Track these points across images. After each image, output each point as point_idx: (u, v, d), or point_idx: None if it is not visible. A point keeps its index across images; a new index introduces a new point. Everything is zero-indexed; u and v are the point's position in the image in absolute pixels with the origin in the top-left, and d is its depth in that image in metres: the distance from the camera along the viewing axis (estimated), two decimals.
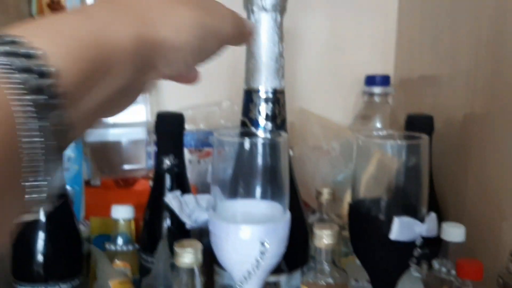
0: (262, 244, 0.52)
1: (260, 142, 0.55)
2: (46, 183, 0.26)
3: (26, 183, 0.25)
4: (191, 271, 0.52)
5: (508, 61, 0.62)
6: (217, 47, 0.45)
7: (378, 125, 0.91)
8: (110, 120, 0.83)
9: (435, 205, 0.74)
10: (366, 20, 0.93)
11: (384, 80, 0.89)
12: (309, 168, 0.90)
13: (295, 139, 0.93)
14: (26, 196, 0.25)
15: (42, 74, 0.24)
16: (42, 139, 0.24)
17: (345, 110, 0.93)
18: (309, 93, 0.93)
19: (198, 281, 0.53)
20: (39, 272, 0.59)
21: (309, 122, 0.92)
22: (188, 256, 0.52)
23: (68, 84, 0.26)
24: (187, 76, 0.49)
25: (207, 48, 0.43)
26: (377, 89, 0.89)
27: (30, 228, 0.59)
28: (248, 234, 0.52)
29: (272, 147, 0.55)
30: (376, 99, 0.89)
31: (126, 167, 0.83)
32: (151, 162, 0.86)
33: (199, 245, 0.53)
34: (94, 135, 0.80)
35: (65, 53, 0.26)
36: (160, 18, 0.35)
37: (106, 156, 0.83)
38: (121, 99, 0.36)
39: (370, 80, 0.89)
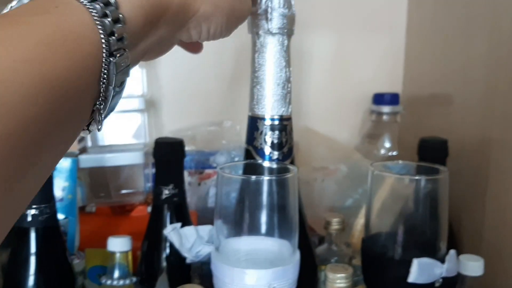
0: None
1: (267, 180, 0.51)
2: (110, 107, 0.33)
3: (98, 106, 0.32)
4: None
5: None
6: (245, 15, 0.49)
7: (387, 145, 0.87)
8: (107, 142, 0.79)
9: (450, 235, 0.70)
10: (374, 37, 0.89)
11: (393, 99, 0.85)
12: (315, 189, 0.86)
13: (300, 159, 0.89)
14: (93, 118, 0.33)
15: (116, 20, 0.30)
16: (114, 73, 0.31)
17: (352, 129, 0.89)
18: (315, 112, 0.89)
19: None
20: None
21: (314, 142, 0.89)
22: None
23: (134, 28, 0.33)
24: (193, 45, 0.54)
25: (236, 20, 0.48)
26: (385, 108, 0.85)
27: (19, 265, 0.55)
28: (255, 279, 0.48)
29: (280, 184, 0.52)
30: (385, 118, 0.86)
31: (123, 191, 0.80)
32: (149, 185, 0.83)
33: None
34: (90, 160, 0.76)
35: (133, 2, 0.33)
36: None
37: (102, 181, 0.79)
38: (160, 48, 0.45)
39: (379, 99, 0.85)
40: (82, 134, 0.34)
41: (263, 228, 0.51)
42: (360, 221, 0.75)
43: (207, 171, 0.86)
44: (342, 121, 0.90)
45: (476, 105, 0.71)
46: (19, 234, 0.55)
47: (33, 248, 0.55)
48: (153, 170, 0.84)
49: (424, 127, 0.83)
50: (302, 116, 0.89)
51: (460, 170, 0.73)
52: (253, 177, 0.50)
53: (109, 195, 0.80)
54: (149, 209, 0.79)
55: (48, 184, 0.56)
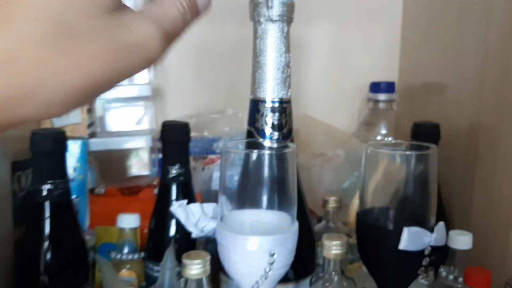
0: (271, 255, 0.52)
1: (268, 154, 0.54)
2: None
3: None
4: (199, 282, 0.52)
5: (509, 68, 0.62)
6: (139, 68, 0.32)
7: (383, 131, 0.91)
8: (114, 128, 0.83)
9: (441, 213, 0.74)
10: (371, 28, 0.93)
11: (389, 87, 0.89)
12: (314, 175, 0.90)
13: (300, 146, 0.92)
14: None
15: None
16: None
17: (349, 117, 0.93)
18: (314, 100, 0.93)
19: None
20: (45, 283, 0.58)
21: (313, 130, 0.92)
22: (196, 267, 0.51)
23: None
24: None
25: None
26: (382, 96, 0.89)
27: (35, 239, 0.59)
28: (257, 245, 0.52)
29: (280, 158, 0.55)
30: (381, 106, 0.89)
31: (131, 175, 0.83)
32: (156, 170, 0.86)
33: (207, 256, 0.53)
34: (99, 143, 0.79)
35: None
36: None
37: (110, 164, 0.83)
38: None
39: (375, 87, 0.89)
40: None
41: (264, 201, 0.55)
42: (356, 202, 0.78)
43: (211, 156, 0.90)
44: (340, 109, 0.94)
45: (468, 93, 0.75)
46: (35, 208, 0.59)
47: (48, 221, 0.59)
48: (159, 156, 0.88)
49: (418, 114, 0.86)
50: (301, 104, 0.93)
51: (451, 154, 0.77)
52: (255, 151, 0.54)
53: (117, 178, 0.83)
54: (156, 191, 0.83)
55: (62, 161, 0.59)
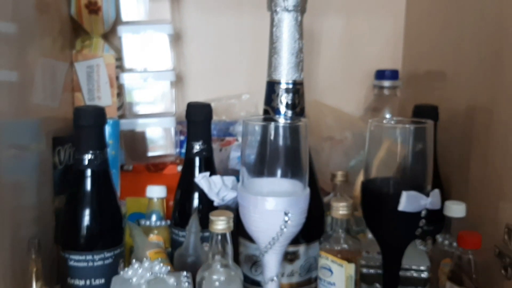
0: (286, 214, 0.60)
1: (282, 126, 0.62)
2: None
3: None
4: (224, 236, 0.60)
5: (508, 56, 0.69)
6: None
7: (388, 116, 0.98)
8: (141, 110, 0.91)
9: (440, 186, 0.81)
10: (377, 19, 1.00)
11: (393, 74, 0.96)
12: (324, 156, 0.97)
13: (310, 129, 0.99)
14: None
15: None
16: None
17: (356, 102, 1.00)
18: (323, 87, 1.00)
19: (230, 246, 0.60)
20: (87, 242, 0.66)
21: (323, 114, 0.99)
22: (221, 223, 0.59)
23: None
24: None
25: None
26: (386, 83, 0.96)
27: (78, 203, 0.67)
28: (274, 204, 0.60)
29: (293, 131, 0.63)
30: (386, 92, 0.96)
31: (156, 153, 0.91)
32: (179, 150, 0.94)
33: (231, 214, 0.60)
34: (129, 123, 0.87)
35: None
36: None
37: (137, 143, 0.91)
38: None
39: (380, 74, 0.96)
40: None
41: (280, 168, 0.63)
42: (361, 178, 0.85)
43: (228, 138, 0.97)
44: (348, 95, 1.01)
45: (465, 79, 0.81)
46: (77, 175, 0.67)
47: (89, 187, 0.67)
48: (181, 137, 0.95)
49: (421, 99, 0.93)
50: (312, 90, 1.00)
51: (450, 133, 0.84)
52: (272, 123, 0.61)
53: (142, 157, 0.91)
54: (179, 168, 0.91)
55: (101, 134, 0.67)
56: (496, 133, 0.72)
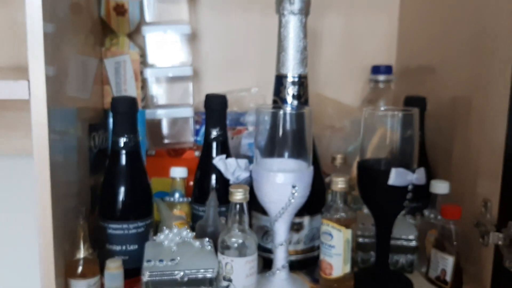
0: (293, 187, 0.71)
1: (290, 113, 0.73)
2: None
3: None
4: (241, 206, 0.70)
5: (486, 54, 0.79)
6: None
7: (381, 106, 1.08)
8: (162, 102, 1.01)
9: (427, 166, 0.92)
10: (373, 20, 1.10)
11: (387, 69, 1.07)
12: (325, 143, 1.08)
13: (313, 119, 1.10)
14: None
15: None
16: None
17: (354, 95, 1.11)
18: (325, 81, 1.11)
19: (246, 214, 0.71)
20: (123, 213, 0.77)
21: (324, 105, 1.10)
22: (239, 194, 0.70)
23: None
24: None
25: None
26: (381, 77, 1.06)
27: (115, 180, 0.78)
28: (283, 179, 0.71)
29: (299, 117, 0.74)
30: (381, 85, 1.07)
31: (175, 140, 1.02)
32: (195, 138, 1.04)
33: (247, 188, 0.71)
34: (152, 113, 0.98)
35: None
36: None
37: (159, 131, 1.02)
38: None
39: (376, 69, 1.07)
40: None
41: (288, 149, 0.73)
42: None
43: (239, 127, 1.08)
44: (347, 88, 1.12)
45: (450, 73, 0.92)
46: (113, 156, 0.78)
47: (124, 165, 0.78)
48: (197, 126, 1.06)
49: (412, 91, 1.03)
50: (314, 83, 1.10)
51: (437, 121, 0.94)
52: (281, 110, 0.72)
53: (164, 143, 1.02)
54: (196, 153, 1.01)
55: (134, 120, 0.78)
56: (474, 120, 0.83)
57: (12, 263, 1.09)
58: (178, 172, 0.89)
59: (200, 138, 1.04)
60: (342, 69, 1.12)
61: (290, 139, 0.74)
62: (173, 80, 1.02)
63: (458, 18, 0.89)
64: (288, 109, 0.79)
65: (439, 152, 0.93)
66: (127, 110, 0.77)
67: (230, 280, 0.69)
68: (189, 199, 0.89)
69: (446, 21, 0.93)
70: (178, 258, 0.69)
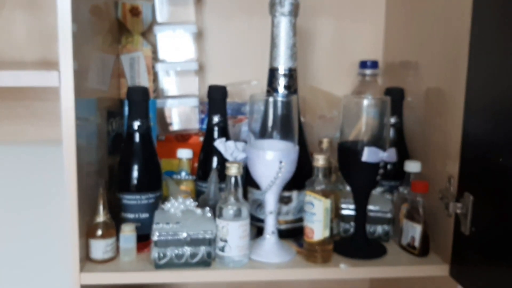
0: (280, 162, 0.83)
1: (280, 99, 0.85)
2: None
3: None
4: (236, 179, 0.83)
5: (462, 51, 0.89)
6: None
7: None
8: (171, 93, 1.14)
9: (405, 150, 1.04)
10: (361, 19, 1.22)
11: (374, 64, 1.18)
12: (316, 131, 1.20)
13: (306, 109, 1.22)
14: None
15: None
16: None
17: (345, 88, 1.22)
18: (318, 74, 1.23)
19: (240, 186, 0.83)
20: (136, 185, 0.90)
21: (316, 96, 1.22)
22: (234, 168, 0.82)
23: None
24: None
25: None
26: (368, 71, 1.18)
27: (129, 157, 0.91)
28: (272, 156, 0.83)
29: (287, 104, 0.86)
30: (368, 78, 1.18)
31: (183, 127, 1.14)
32: (200, 125, 1.17)
33: (241, 164, 0.83)
34: (161, 102, 1.11)
35: None
36: None
37: (168, 119, 1.14)
38: None
39: (363, 64, 1.18)
40: None
41: (277, 131, 0.86)
42: None
43: (240, 116, 1.20)
44: (337, 81, 1.23)
45: (429, 68, 1.03)
46: (128, 137, 0.91)
47: (138, 146, 0.91)
48: (202, 115, 1.19)
49: (396, 84, 1.14)
50: (308, 77, 1.23)
51: (415, 110, 1.06)
52: (271, 97, 0.85)
53: (172, 129, 1.15)
54: (201, 139, 1.14)
55: (146, 107, 0.91)
56: (446, 109, 0.94)
57: (43, 241, 1.23)
58: (184, 153, 1.02)
59: (205, 125, 1.16)
60: (333, 64, 1.24)
61: (279, 123, 0.86)
62: (181, 73, 1.15)
63: (437, 21, 0.99)
64: (278, 97, 0.91)
65: (416, 136, 1.05)
66: (141, 98, 0.90)
67: (225, 241, 0.82)
68: (194, 177, 1.02)
69: (427, 23, 1.03)
70: (182, 222, 0.82)
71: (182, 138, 1.14)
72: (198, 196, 0.99)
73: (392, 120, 1.02)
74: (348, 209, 0.95)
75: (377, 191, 0.98)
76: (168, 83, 1.14)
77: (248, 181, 0.96)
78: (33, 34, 1.15)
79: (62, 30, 0.76)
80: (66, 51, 0.76)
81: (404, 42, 1.15)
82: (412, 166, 0.96)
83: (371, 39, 1.24)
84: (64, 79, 0.77)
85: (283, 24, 0.92)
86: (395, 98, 1.02)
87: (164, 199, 0.97)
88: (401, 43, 1.17)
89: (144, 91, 0.90)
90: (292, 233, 0.95)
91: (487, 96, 0.77)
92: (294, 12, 0.92)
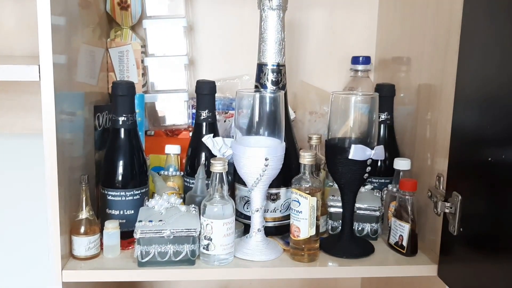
0: (266, 159, 0.82)
1: (266, 95, 0.84)
2: None
3: None
4: (221, 175, 0.82)
5: (453, 47, 0.88)
6: None
7: None
8: (161, 87, 1.12)
9: (394, 147, 1.02)
10: (354, 13, 1.20)
11: (366, 60, 1.16)
12: (307, 127, 1.18)
13: (297, 105, 1.21)
14: None
15: None
16: None
17: (336, 83, 1.20)
18: (309, 70, 1.21)
19: (226, 183, 0.82)
20: (121, 181, 0.89)
21: (307, 92, 1.20)
22: (219, 165, 0.81)
23: None
24: None
25: None
26: (360, 67, 1.16)
27: (115, 153, 0.89)
28: (257, 153, 0.82)
29: (274, 99, 0.85)
30: (360, 74, 1.17)
31: (172, 122, 1.13)
32: (190, 121, 1.15)
33: (226, 160, 0.82)
34: (151, 97, 1.10)
35: None
36: None
37: (157, 114, 1.13)
38: None
39: (355, 60, 1.16)
40: None
41: (263, 127, 0.84)
42: None
43: (231, 111, 1.18)
44: (329, 77, 1.21)
45: (419, 64, 1.01)
46: (113, 133, 0.90)
47: (123, 141, 0.89)
48: (193, 110, 1.17)
49: (388, 80, 1.13)
50: (299, 72, 1.21)
51: (405, 105, 1.04)
52: (257, 93, 0.83)
53: (162, 124, 1.14)
54: (191, 134, 1.12)
55: (132, 102, 0.89)
56: (433, 103, 0.92)
57: (25, 233, 1.22)
58: (172, 149, 1.01)
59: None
60: (325, 59, 1.22)
61: (265, 119, 0.85)
62: (171, 68, 1.13)
63: (423, 18, 0.98)
64: (264, 92, 0.89)
65: (406, 133, 1.04)
66: (125, 93, 0.88)
67: (210, 239, 0.81)
68: (182, 173, 1.01)
69: (420, 19, 1.02)
70: (166, 219, 0.81)
71: (172, 133, 1.12)
72: (186, 192, 0.98)
73: (383, 116, 1.01)
74: (336, 207, 0.93)
75: (366, 188, 0.97)
76: (158, 78, 1.13)
77: (235, 178, 0.95)
78: (22, 27, 1.14)
79: (41, 23, 0.75)
80: (46, 45, 0.75)
81: (397, 37, 1.13)
82: (401, 164, 0.94)
83: (364, 34, 1.22)
84: (44, 73, 0.76)
85: (271, 19, 0.91)
86: (385, 94, 1.00)
87: (152, 195, 0.97)
88: (394, 38, 1.15)
89: (129, 85, 0.89)
90: (281, 230, 0.94)
91: (477, 93, 0.75)
92: (283, 6, 0.91)
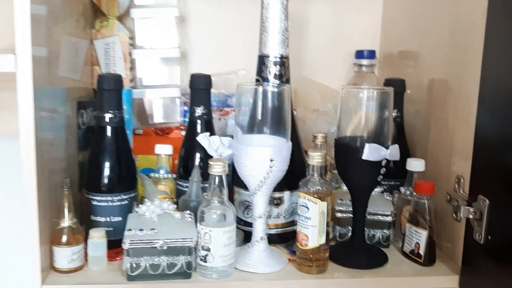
0: (271, 160, 0.73)
1: (270, 90, 0.76)
2: None
3: None
4: (220, 178, 0.73)
5: (463, 41, 0.81)
6: None
7: None
8: (150, 82, 1.03)
9: (405, 146, 0.95)
10: (359, 6, 1.13)
11: (371, 54, 1.09)
12: (309, 125, 1.10)
13: (299, 103, 1.13)
14: None
15: None
16: None
17: (339, 79, 1.13)
18: (311, 65, 1.13)
19: (225, 187, 0.74)
20: (108, 185, 0.80)
21: (310, 89, 1.12)
22: (218, 167, 0.72)
23: None
24: None
25: None
26: (364, 61, 1.09)
27: (100, 154, 0.80)
28: (261, 153, 0.73)
29: (279, 94, 0.76)
30: (364, 69, 1.09)
31: (162, 120, 1.04)
32: (183, 119, 1.07)
33: (226, 162, 0.74)
34: (139, 92, 1.01)
35: None
36: None
37: (147, 111, 1.04)
38: None
39: (359, 54, 1.09)
40: None
41: (267, 125, 0.76)
42: None
43: (226, 109, 1.10)
44: (332, 72, 1.14)
45: (429, 58, 0.94)
46: (99, 131, 0.81)
47: (109, 140, 0.80)
48: (185, 108, 1.09)
49: (395, 75, 1.05)
50: (301, 67, 1.13)
51: (416, 103, 0.97)
52: (260, 87, 0.75)
53: (152, 122, 1.05)
54: (183, 133, 1.04)
55: (119, 97, 0.81)
56: (450, 102, 0.85)
57: (4, 237, 1.12)
58: (163, 149, 0.92)
59: (187, 118, 1.06)
60: (328, 53, 1.15)
61: (269, 115, 0.77)
62: (162, 61, 1.05)
63: (438, 10, 0.91)
64: (268, 86, 0.81)
65: (417, 132, 0.96)
66: (112, 87, 0.79)
67: (208, 250, 0.72)
68: (174, 175, 0.92)
69: (427, 11, 0.95)
70: (159, 228, 0.72)
71: (162, 132, 1.04)
72: (179, 196, 0.89)
73: (393, 114, 0.93)
74: (345, 212, 0.86)
75: (376, 191, 0.89)
76: (147, 72, 1.04)
77: (234, 180, 0.86)
78: (1, 18, 1.04)
79: (19, 12, 0.66)
80: (24, 34, 0.66)
81: (404, 30, 1.06)
82: (415, 165, 0.87)
83: (369, 27, 1.15)
84: (21, 65, 0.67)
85: (274, 5, 0.83)
86: (395, 90, 0.92)
87: (141, 200, 0.88)
88: (400, 31, 1.08)
89: (116, 78, 0.80)
90: (284, 238, 0.86)
91: (504, 90, 0.68)
92: None
